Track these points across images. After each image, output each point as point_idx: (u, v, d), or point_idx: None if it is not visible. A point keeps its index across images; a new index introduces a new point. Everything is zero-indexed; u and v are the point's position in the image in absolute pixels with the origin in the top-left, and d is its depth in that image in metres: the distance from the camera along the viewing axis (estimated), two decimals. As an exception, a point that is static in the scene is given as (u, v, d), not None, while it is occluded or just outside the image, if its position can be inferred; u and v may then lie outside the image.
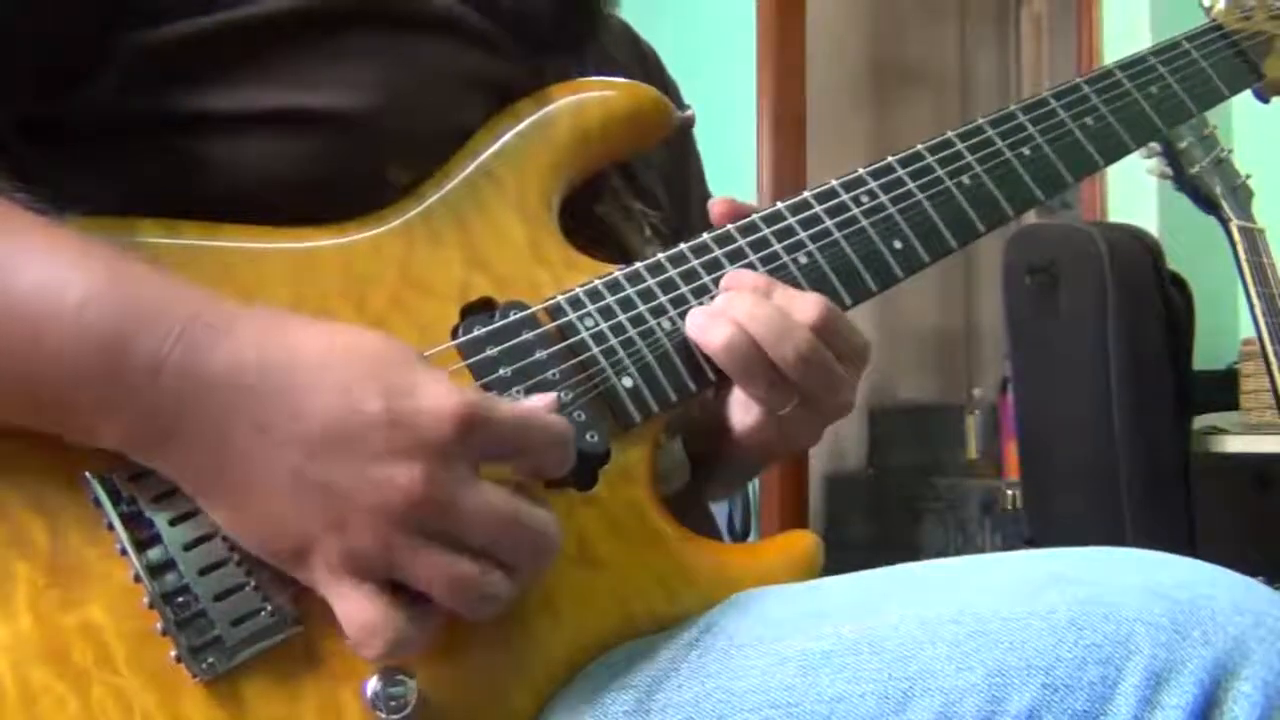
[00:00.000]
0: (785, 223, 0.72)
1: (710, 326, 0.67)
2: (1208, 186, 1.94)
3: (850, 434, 3.74)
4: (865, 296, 0.72)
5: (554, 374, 0.64)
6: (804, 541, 0.69)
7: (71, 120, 0.64)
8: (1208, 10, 0.94)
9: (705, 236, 0.71)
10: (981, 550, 3.11)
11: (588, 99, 0.73)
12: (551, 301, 0.67)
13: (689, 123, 0.80)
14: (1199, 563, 0.57)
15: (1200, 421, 2.22)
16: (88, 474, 0.56)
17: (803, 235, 0.72)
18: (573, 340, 0.66)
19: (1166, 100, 0.85)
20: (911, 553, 3.21)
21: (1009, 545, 2.98)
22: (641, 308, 0.68)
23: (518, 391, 0.63)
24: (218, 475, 0.54)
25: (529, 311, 0.66)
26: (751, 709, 0.56)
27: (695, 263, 0.70)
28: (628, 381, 0.66)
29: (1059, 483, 2.13)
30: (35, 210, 0.57)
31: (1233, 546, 2.14)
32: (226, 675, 0.55)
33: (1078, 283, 2.10)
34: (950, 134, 0.77)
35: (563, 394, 0.64)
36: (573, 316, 0.66)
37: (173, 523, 0.56)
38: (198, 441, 0.54)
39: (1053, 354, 2.14)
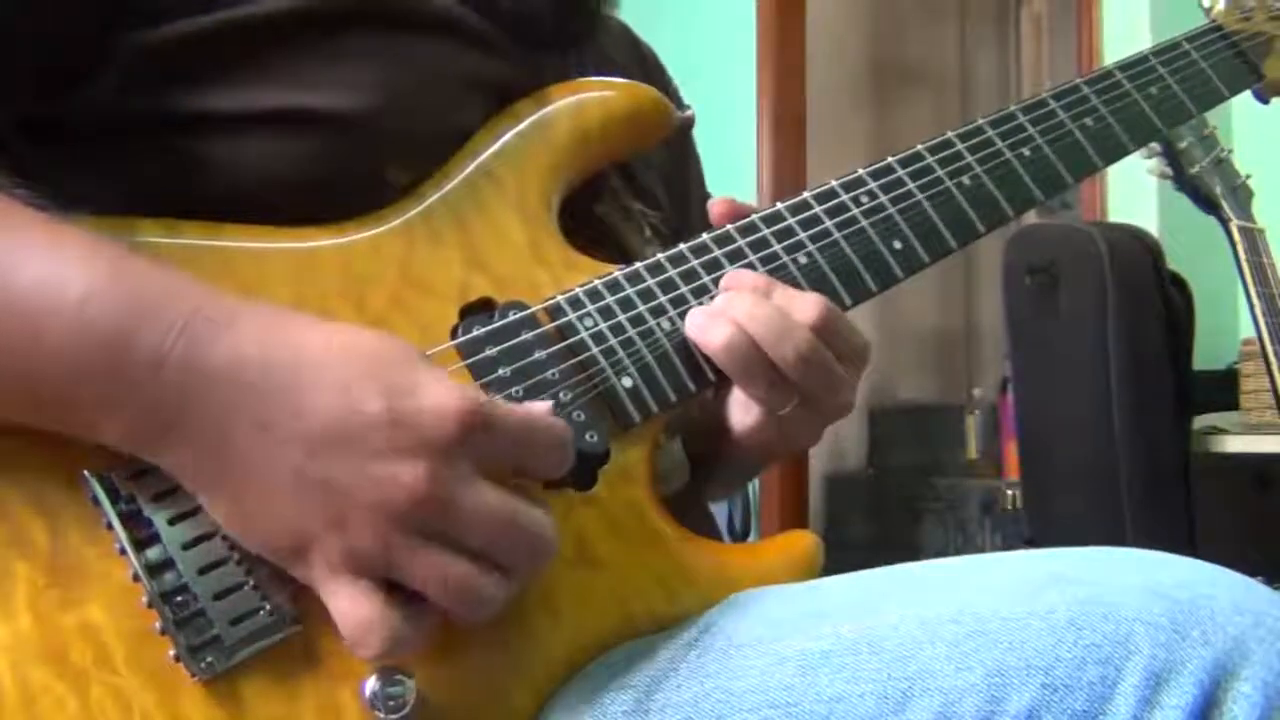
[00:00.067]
0: (785, 223, 0.72)
1: (710, 326, 0.67)
2: (1208, 186, 1.94)
3: (850, 434, 3.74)
4: (865, 297, 0.72)
5: (553, 374, 0.64)
6: (804, 541, 0.69)
7: (71, 120, 0.64)
8: (1207, 11, 0.94)
9: (705, 237, 0.71)
10: (981, 550, 3.11)
11: (587, 99, 0.73)
12: (551, 302, 0.67)
13: (688, 123, 0.80)
14: (1199, 563, 0.57)
15: (1200, 421, 2.22)
16: (86, 473, 0.56)
17: (802, 235, 0.72)
18: (572, 340, 0.66)
19: (1166, 101, 0.85)
20: (911, 553, 3.21)
21: (1009, 545, 2.98)
22: (641, 308, 0.68)
23: (517, 391, 0.63)
24: (218, 472, 0.54)
25: (528, 311, 0.66)
26: (750, 709, 0.56)
27: (695, 263, 0.70)
28: (627, 382, 0.66)
29: (1059, 483, 2.13)
30: (35, 207, 0.57)
31: (1233, 546, 2.14)
32: (225, 674, 0.55)
33: (1078, 283, 2.10)
34: (950, 134, 0.77)
35: (562, 394, 0.64)
36: (572, 317, 0.66)
37: (172, 522, 0.56)
38: (199, 437, 0.54)
39: (1053, 354, 2.14)
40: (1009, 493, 3.00)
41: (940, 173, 0.75)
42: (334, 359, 0.55)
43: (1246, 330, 2.10)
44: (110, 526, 0.56)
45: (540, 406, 0.60)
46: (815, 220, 0.72)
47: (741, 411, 0.72)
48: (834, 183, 0.74)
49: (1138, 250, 2.13)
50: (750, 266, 0.70)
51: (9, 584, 0.54)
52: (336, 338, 0.56)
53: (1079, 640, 0.52)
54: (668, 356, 0.67)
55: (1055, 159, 0.79)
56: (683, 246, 0.70)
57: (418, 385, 0.54)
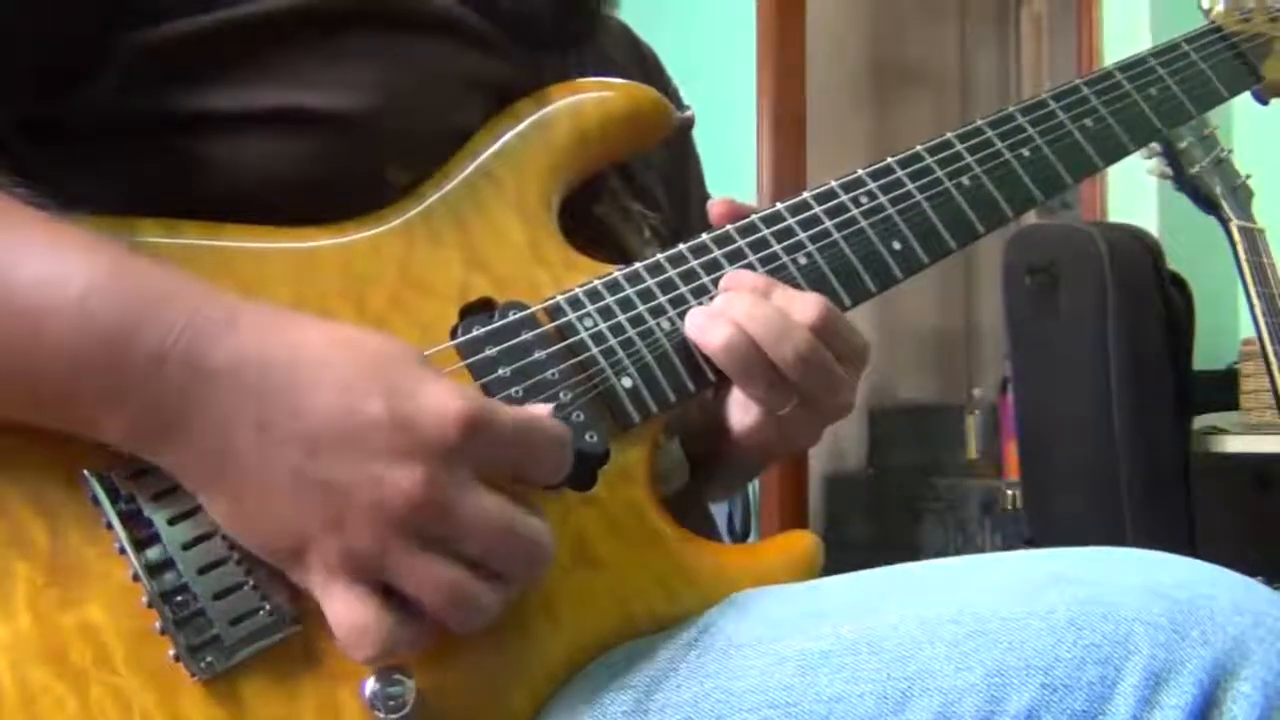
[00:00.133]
0: (784, 223, 0.72)
1: (709, 327, 0.67)
2: (1208, 186, 1.94)
3: (850, 434, 3.74)
4: (864, 297, 0.72)
5: (553, 374, 0.64)
6: (804, 542, 0.69)
7: (71, 120, 0.64)
8: (1206, 12, 0.94)
9: (704, 237, 0.71)
10: (981, 550, 3.11)
11: (586, 100, 0.73)
12: (551, 302, 0.67)
13: (688, 123, 0.80)
14: (1199, 563, 0.57)
15: (1200, 421, 2.22)
16: (86, 472, 0.56)
17: (802, 236, 0.72)
18: (572, 340, 0.66)
19: (1166, 102, 0.85)
20: (911, 553, 3.21)
21: (1009, 545, 2.98)
22: (641, 308, 0.68)
23: (516, 391, 0.63)
24: (218, 471, 0.54)
25: (528, 312, 0.66)
26: (750, 709, 0.56)
27: (694, 263, 0.70)
28: (627, 382, 0.66)
29: (1059, 483, 2.13)
30: (35, 207, 0.57)
31: (1233, 546, 2.14)
32: (225, 674, 0.55)
33: (1078, 283, 2.10)
34: (949, 135, 0.77)
35: (562, 394, 0.64)
36: (572, 317, 0.66)
37: (172, 521, 0.56)
38: (199, 436, 0.54)
39: (1053, 354, 2.14)
40: (1009, 493, 3.00)
41: (940, 173, 0.75)
42: (334, 359, 0.55)
43: (1246, 330, 2.10)
44: (110, 526, 0.56)
45: (540, 410, 0.59)
46: (815, 221, 0.72)
47: (741, 412, 0.72)
48: (833, 183, 0.74)
49: (1138, 250, 2.13)
50: (750, 267, 0.70)
51: (8, 583, 0.54)
52: (337, 337, 0.56)
53: (1079, 640, 0.52)
54: (667, 357, 0.67)
55: (1054, 159, 0.79)
56: (682, 247, 0.70)
57: (419, 387, 0.54)
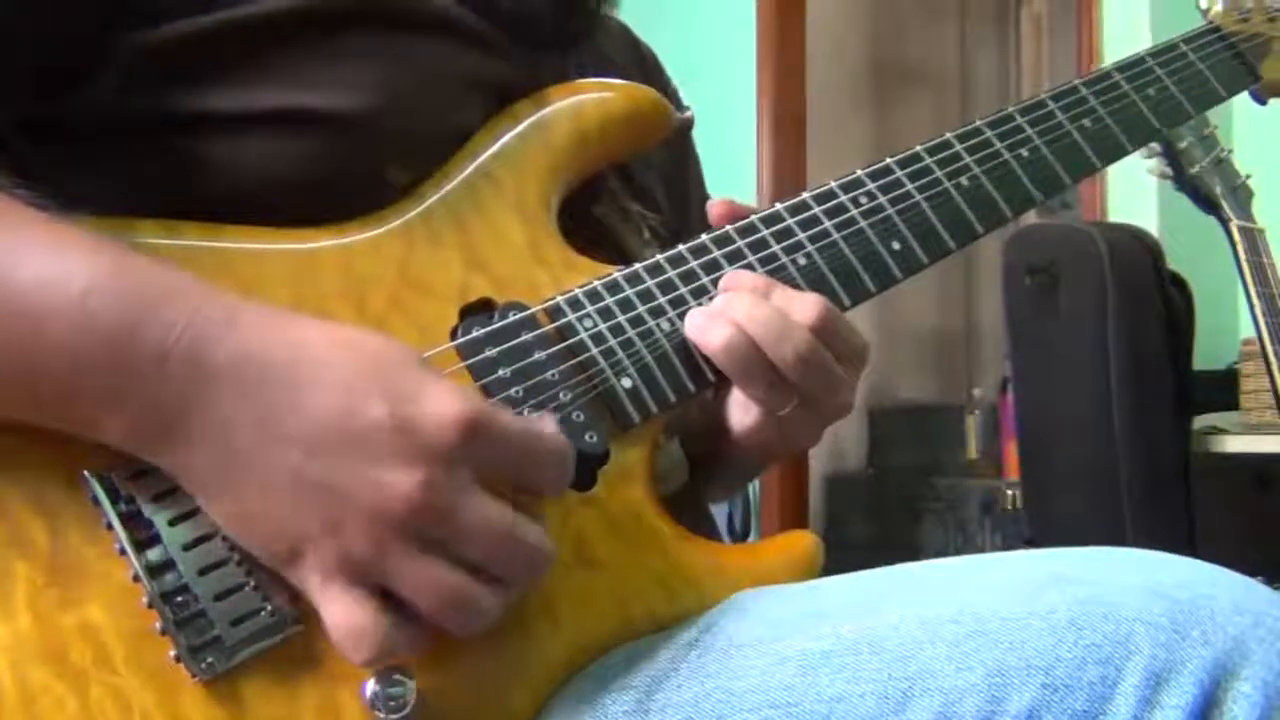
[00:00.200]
0: (784, 224, 0.72)
1: (709, 327, 0.67)
2: (1208, 186, 1.94)
3: (850, 434, 3.74)
4: (864, 297, 0.72)
5: (553, 375, 0.64)
6: (804, 542, 0.69)
7: (71, 120, 0.64)
8: (1205, 12, 0.94)
9: (704, 238, 0.71)
10: (981, 550, 3.11)
11: (586, 100, 0.73)
12: (550, 302, 0.67)
13: (688, 124, 0.80)
14: (1199, 563, 0.57)
15: (1200, 421, 2.22)
16: (86, 473, 0.56)
17: (801, 236, 0.72)
18: (572, 341, 0.66)
19: (1164, 102, 0.85)
20: (911, 553, 3.21)
21: (1009, 545, 2.98)
22: (640, 309, 0.68)
23: (517, 391, 0.63)
24: (218, 471, 0.54)
25: (528, 312, 0.66)
26: (751, 709, 0.57)
27: (694, 264, 0.70)
28: (627, 382, 0.66)
29: (1059, 483, 2.13)
30: (35, 207, 0.57)
31: (1233, 546, 2.14)
32: (226, 675, 0.55)
33: (1078, 283, 2.10)
34: (948, 135, 0.77)
35: (562, 394, 0.64)
36: (572, 317, 0.66)
37: (172, 522, 0.56)
38: (199, 435, 0.54)
39: (1053, 354, 2.14)
40: (1009, 493, 3.00)
41: (939, 174, 0.75)
42: (334, 359, 0.55)
43: (1246, 330, 2.10)
44: (110, 527, 0.56)
45: (543, 420, 0.59)
46: (814, 221, 0.72)
47: (741, 412, 0.72)
48: (833, 183, 0.74)
49: (1138, 250, 2.13)
50: (749, 267, 0.70)
51: (8, 584, 0.54)
52: (337, 338, 0.56)
53: (1079, 640, 0.52)
54: (667, 357, 0.67)
55: (1053, 160, 0.79)
56: (682, 247, 0.70)
57: (420, 390, 0.54)
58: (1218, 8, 0.94)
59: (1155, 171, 1.99)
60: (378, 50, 0.67)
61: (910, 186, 0.75)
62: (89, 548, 0.56)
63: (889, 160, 0.75)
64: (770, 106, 3.32)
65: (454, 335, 0.65)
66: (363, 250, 0.65)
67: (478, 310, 0.66)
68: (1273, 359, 1.91)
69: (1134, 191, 2.68)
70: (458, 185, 0.69)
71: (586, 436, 0.63)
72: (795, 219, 0.72)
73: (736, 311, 0.67)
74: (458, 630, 0.55)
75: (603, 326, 0.66)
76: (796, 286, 0.70)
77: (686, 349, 0.67)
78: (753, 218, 0.72)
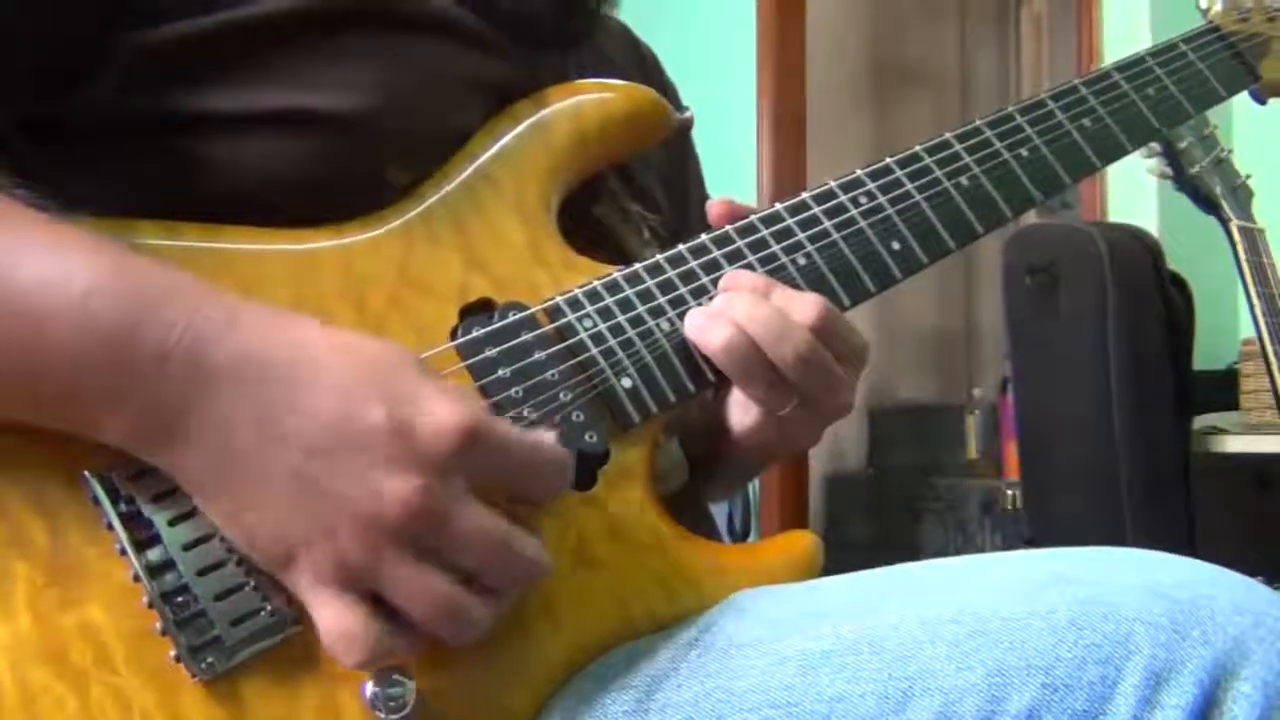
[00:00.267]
0: (784, 224, 0.72)
1: (709, 327, 0.67)
2: (1208, 186, 1.94)
3: (850, 434, 3.74)
4: (864, 297, 0.72)
5: (553, 375, 0.64)
6: (804, 541, 0.69)
7: (71, 120, 0.64)
8: (1204, 12, 0.94)
9: (703, 238, 0.71)
10: (981, 550, 3.11)
11: (585, 101, 0.73)
12: (550, 302, 0.67)
13: (687, 124, 0.80)
14: (1199, 563, 0.57)
15: (1200, 421, 2.22)
16: (86, 473, 0.56)
17: (801, 236, 0.72)
18: (571, 341, 0.66)
19: (1164, 102, 0.85)
20: (911, 553, 3.21)
21: (1009, 545, 2.98)
22: (640, 309, 0.68)
23: (517, 392, 0.63)
24: (217, 473, 0.54)
25: (528, 312, 0.66)
26: (751, 709, 0.57)
27: (694, 264, 0.70)
28: (626, 382, 0.66)
29: (1059, 483, 2.13)
30: (36, 207, 0.57)
31: (1233, 546, 2.14)
32: (226, 675, 0.55)
33: (1078, 283, 2.10)
34: (948, 135, 0.77)
35: (561, 394, 0.64)
36: (571, 317, 0.66)
37: (172, 523, 0.56)
38: (199, 436, 0.54)
39: (1053, 354, 2.14)
40: (1009, 493, 3.00)
41: (938, 173, 0.75)
42: (334, 363, 0.55)
43: (1246, 330, 2.10)
44: (110, 527, 0.56)
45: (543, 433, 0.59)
46: (814, 221, 0.72)
47: (741, 412, 0.72)
48: (832, 183, 0.74)
49: (1138, 250, 2.13)
50: (749, 267, 0.70)
51: (8, 584, 0.54)
52: (336, 342, 0.56)
53: (1079, 640, 0.52)
54: (667, 357, 0.67)
55: (1053, 159, 0.79)
56: (681, 247, 0.70)
57: (419, 395, 0.54)
58: (1217, 7, 0.94)
59: (1155, 171, 1.99)
60: (378, 51, 0.67)
61: (910, 186, 0.75)
62: (89, 548, 0.56)
63: (889, 160, 0.75)
64: (770, 106, 3.32)
65: (454, 335, 0.65)
66: (362, 250, 0.65)
67: (477, 310, 0.66)
68: (1273, 359, 1.91)
69: (1134, 191, 2.68)
70: (457, 185, 0.69)
71: (586, 436, 0.64)
72: (795, 219, 0.72)
73: (736, 311, 0.67)
74: (449, 639, 0.55)
75: (602, 326, 0.67)
76: (796, 286, 0.70)
77: (686, 349, 0.67)
78: (752, 218, 0.72)
